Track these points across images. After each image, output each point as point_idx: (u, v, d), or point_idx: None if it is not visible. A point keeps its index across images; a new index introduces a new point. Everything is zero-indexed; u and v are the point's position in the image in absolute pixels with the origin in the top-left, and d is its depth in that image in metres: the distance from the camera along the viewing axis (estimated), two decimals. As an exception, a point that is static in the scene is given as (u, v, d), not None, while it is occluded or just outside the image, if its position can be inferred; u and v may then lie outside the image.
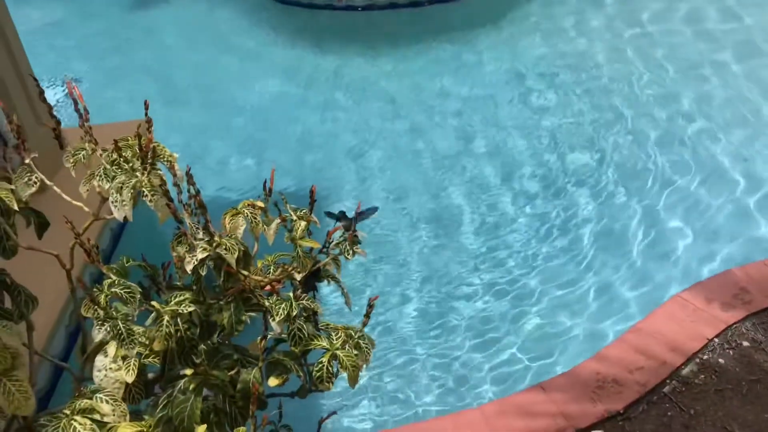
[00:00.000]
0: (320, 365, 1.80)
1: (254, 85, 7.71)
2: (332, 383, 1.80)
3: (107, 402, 1.69)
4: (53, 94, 7.67)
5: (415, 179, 6.10)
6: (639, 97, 6.91)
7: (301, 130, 6.89)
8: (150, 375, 1.92)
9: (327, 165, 6.37)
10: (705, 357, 3.94)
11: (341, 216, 1.88)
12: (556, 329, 4.60)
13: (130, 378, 1.73)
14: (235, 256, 1.71)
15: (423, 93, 7.36)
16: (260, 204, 1.98)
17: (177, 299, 1.71)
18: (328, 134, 6.80)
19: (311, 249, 1.88)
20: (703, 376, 3.84)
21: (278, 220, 1.87)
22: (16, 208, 1.76)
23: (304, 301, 1.84)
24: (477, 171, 6.13)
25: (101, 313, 1.70)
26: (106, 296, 1.75)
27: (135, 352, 1.72)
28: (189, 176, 1.80)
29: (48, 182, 1.87)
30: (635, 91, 7.01)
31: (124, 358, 1.75)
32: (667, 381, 3.83)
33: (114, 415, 1.70)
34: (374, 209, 1.96)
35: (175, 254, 1.90)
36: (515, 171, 6.09)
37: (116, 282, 1.79)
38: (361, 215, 1.85)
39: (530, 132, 6.57)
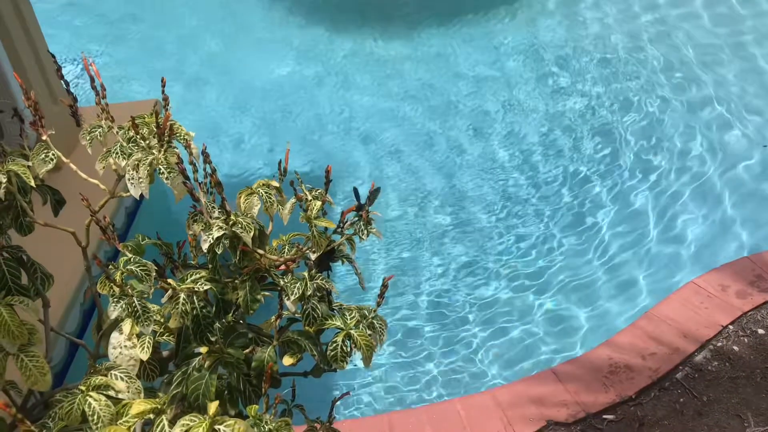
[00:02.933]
0: (334, 344, 1.81)
1: (268, 65, 7.69)
2: (347, 362, 1.80)
3: (122, 379, 1.71)
4: (69, 74, 7.68)
5: (428, 162, 6.08)
6: (657, 81, 6.83)
7: (315, 111, 6.88)
8: (164, 353, 1.93)
9: (340, 147, 6.36)
10: (719, 344, 3.92)
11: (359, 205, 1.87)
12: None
13: (144, 355, 1.74)
14: (251, 234, 1.71)
15: (438, 75, 7.31)
16: (275, 183, 1.98)
17: (192, 277, 1.71)
18: (341, 116, 6.78)
19: (326, 229, 1.87)
20: (716, 363, 3.83)
21: (294, 200, 1.86)
22: (32, 184, 1.76)
23: (318, 281, 1.84)
24: (493, 154, 6.10)
25: (117, 290, 1.71)
26: (122, 274, 1.76)
27: (150, 329, 1.72)
28: (205, 155, 1.79)
29: (64, 159, 1.87)
30: (653, 74, 6.93)
31: (139, 335, 1.76)
32: (680, 367, 3.82)
33: (128, 391, 1.71)
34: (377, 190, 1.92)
35: (190, 232, 1.90)
36: (532, 154, 6.05)
37: (131, 260, 1.80)
38: (370, 197, 1.84)
39: (547, 116, 6.52)
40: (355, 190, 1.86)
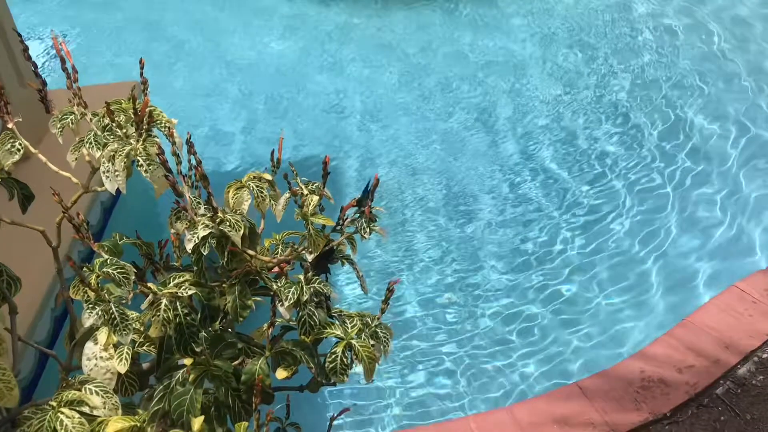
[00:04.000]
0: (333, 356, 1.81)
1: (256, 43, 7.69)
2: (347, 376, 1.81)
3: (97, 394, 1.72)
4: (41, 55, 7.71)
5: (441, 151, 6.08)
6: (684, 56, 6.80)
7: (312, 95, 6.88)
8: (144, 365, 1.94)
9: (340, 135, 6.36)
10: (764, 356, 3.92)
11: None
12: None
13: (122, 368, 1.75)
14: (241, 233, 1.72)
15: (439, 54, 7.30)
16: (267, 176, 1.99)
17: (176, 281, 1.72)
18: (340, 101, 6.78)
19: (323, 227, 1.88)
20: (761, 377, 3.82)
21: (288, 195, 1.87)
22: (-2, 177, 1.77)
23: (315, 285, 1.84)
24: (499, 141, 6.10)
25: (91, 295, 1.72)
26: (97, 277, 1.77)
27: (129, 339, 1.73)
28: (189, 144, 1.80)
29: (32, 150, 1.88)
30: (682, 50, 6.90)
31: (116, 345, 1.77)
32: (721, 382, 3.82)
33: (105, 408, 1.72)
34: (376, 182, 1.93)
35: (173, 231, 1.91)
36: (541, 141, 6.04)
37: (108, 261, 1.81)
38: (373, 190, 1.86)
39: (557, 97, 6.50)
40: (367, 188, 1.86)
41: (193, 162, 1.77)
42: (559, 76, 6.85)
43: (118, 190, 1.83)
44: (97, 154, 1.83)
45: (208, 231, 1.71)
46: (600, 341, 4.50)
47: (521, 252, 5.15)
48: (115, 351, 1.77)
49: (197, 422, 1.52)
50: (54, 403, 1.67)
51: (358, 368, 1.89)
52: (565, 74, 6.86)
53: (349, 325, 1.86)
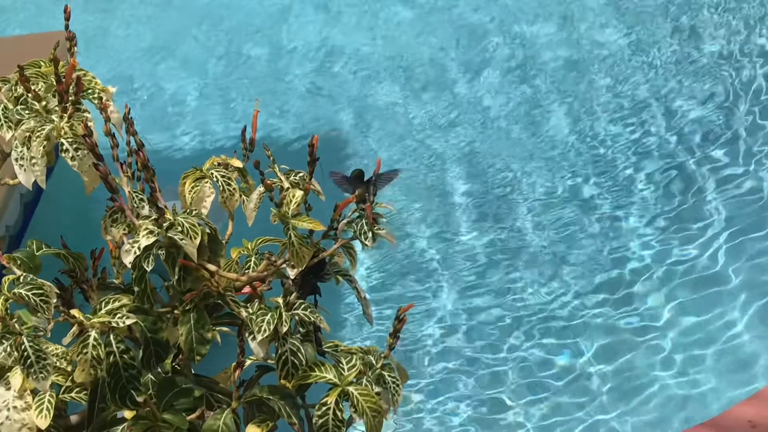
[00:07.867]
0: (324, 408, 1.80)
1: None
2: (342, 436, 1.80)
3: (10, 456, 1.72)
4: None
5: (471, 129, 6.06)
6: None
7: (293, 47, 6.87)
8: (73, 417, 1.95)
9: (332, 106, 6.35)
10: None
11: (354, 179, 1.88)
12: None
13: (43, 422, 1.76)
14: (196, 241, 1.71)
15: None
16: (237, 163, 1.98)
17: (110, 306, 1.71)
18: (331, 56, 6.76)
19: (311, 232, 1.86)
20: None
21: (261, 189, 1.86)
22: None
23: (300, 311, 1.83)
24: (575, 120, 6.09)
25: (-2, 325, 1.72)
26: (6, 300, 1.77)
27: (47, 384, 1.73)
28: (129, 121, 1.80)
29: None
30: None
31: (34, 392, 1.77)
32: None
33: (20, 475, 1.73)
34: (394, 172, 1.99)
35: (109, 238, 1.91)
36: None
37: (21, 279, 1.80)
38: (378, 179, 1.85)
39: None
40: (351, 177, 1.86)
41: (134, 145, 1.77)
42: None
43: (36, 184, 1.83)
44: (8, 135, 1.83)
45: (152, 239, 1.70)
46: (700, 383, 4.50)
47: (597, 266, 5.16)
48: (34, 399, 1.77)
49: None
50: (-49, 471, 1.68)
51: (360, 423, 1.87)
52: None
53: (346, 366, 1.84)
